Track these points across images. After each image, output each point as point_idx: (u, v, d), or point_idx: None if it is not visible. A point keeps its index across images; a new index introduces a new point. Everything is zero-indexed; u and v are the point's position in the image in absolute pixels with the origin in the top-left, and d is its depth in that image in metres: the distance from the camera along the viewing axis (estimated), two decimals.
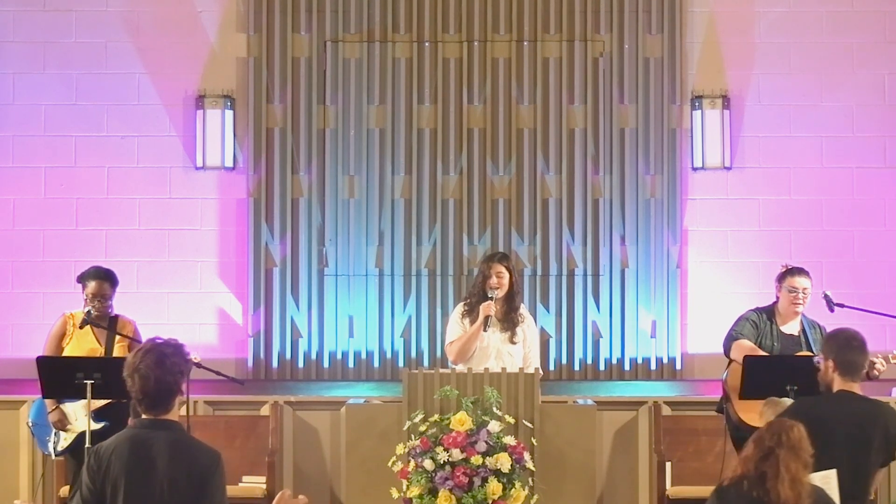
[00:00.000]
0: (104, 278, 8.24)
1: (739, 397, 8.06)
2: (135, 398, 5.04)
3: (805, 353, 7.96)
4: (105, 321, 8.24)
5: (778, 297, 8.17)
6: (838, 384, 6.42)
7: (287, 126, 10.08)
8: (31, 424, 8.33)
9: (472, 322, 8.12)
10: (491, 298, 8.06)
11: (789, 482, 5.14)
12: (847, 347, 6.47)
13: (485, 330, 8.05)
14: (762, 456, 5.17)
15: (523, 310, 8.33)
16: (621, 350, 9.97)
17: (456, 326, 8.22)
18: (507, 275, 8.15)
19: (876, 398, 8.08)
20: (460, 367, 8.04)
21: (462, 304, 8.31)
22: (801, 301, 8.08)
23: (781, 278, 8.17)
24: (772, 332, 8.09)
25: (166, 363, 5.01)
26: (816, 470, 6.10)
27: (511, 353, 8.15)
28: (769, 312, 8.18)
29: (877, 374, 7.87)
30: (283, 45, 10.09)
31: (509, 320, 8.15)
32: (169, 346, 5.07)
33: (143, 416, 5.07)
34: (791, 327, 8.13)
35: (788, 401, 6.92)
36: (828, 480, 6.06)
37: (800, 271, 8.17)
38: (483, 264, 8.29)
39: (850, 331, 6.81)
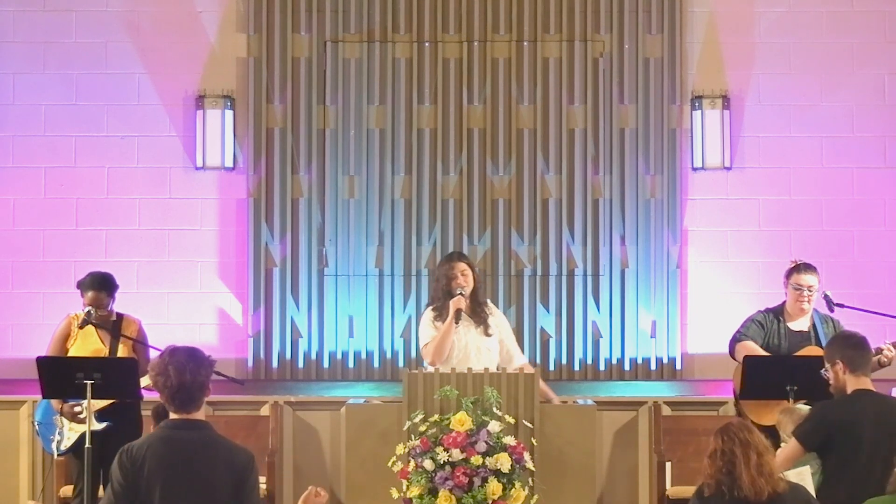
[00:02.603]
0: (100, 288, 8.22)
1: (739, 397, 8.07)
2: (167, 395, 5.05)
3: (812, 348, 7.95)
4: (109, 324, 8.24)
5: (786, 295, 8.18)
6: (852, 383, 6.41)
7: (287, 126, 10.08)
8: (36, 424, 8.34)
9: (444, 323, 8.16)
10: (460, 294, 8.10)
11: (756, 468, 5.42)
12: (848, 343, 6.49)
13: (456, 323, 8.08)
14: (725, 460, 5.49)
15: (489, 303, 8.41)
16: (621, 350, 9.97)
17: (429, 329, 8.20)
18: (469, 272, 8.21)
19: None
20: (443, 368, 8.07)
21: (430, 308, 8.30)
22: (805, 298, 8.07)
23: (788, 275, 8.17)
24: (779, 330, 8.09)
25: (197, 356, 5.08)
26: (853, 471, 6.15)
27: (489, 347, 8.20)
28: (777, 312, 8.18)
29: (886, 361, 7.89)
30: (283, 45, 10.09)
31: (478, 315, 8.20)
32: (192, 347, 5.15)
33: (172, 417, 5.09)
34: (800, 324, 8.13)
35: (805, 407, 6.90)
36: (803, 477, 6.09)
37: (806, 268, 8.15)
38: (444, 266, 8.28)
39: (847, 331, 6.87)
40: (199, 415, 5.10)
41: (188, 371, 5.01)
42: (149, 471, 4.96)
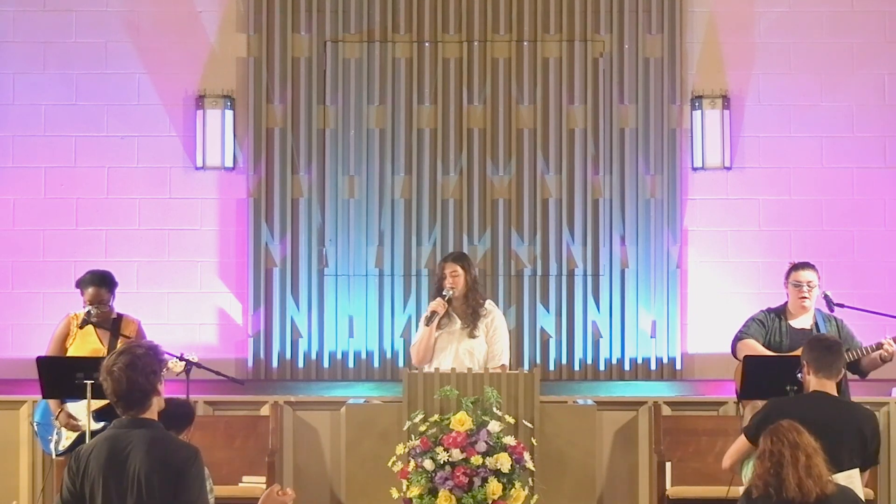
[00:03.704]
0: (100, 284, 8.25)
1: (739, 397, 8.09)
2: (111, 400, 5.07)
3: None
4: (108, 322, 8.25)
5: (787, 295, 8.23)
6: (813, 385, 6.48)
7: (287, 126, 10.08)
8: (35, 424, 8.35)
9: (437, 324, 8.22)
10: (444, 297, 8.15)
11: (804, 470, 5.44)
12: (816, 346, 6.55)
13: (427, 325, 8.14)
14: (775, 462, 5.50)
15: (490, 305, 8.46)
16: (621, 350, 9.96)
17: (420, 330, 8.38)
18: (461, 273, 8.27)
19: (874, 398, 8.13)
20: (443, 368, 8.10)
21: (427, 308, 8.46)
22: (806, 294, 8.12)
23: (787, 275, 8.24)
24: (780, 328, 8.13)
25: (138, 364, 5.05)
26: None
27: (471, 350, 8.24)
28: (779, 311, 8.23)
29: (887, 356, 7.91)
30: (283, 45, 10.09)
31: (468, 317, 8.24)
32: (141, 347, 5.13)
33: (122, 416, 5.10)
34: (803, 322, 8.16)
35: None
36: (852, 480, 6.11)
37: (804, 265, 8.22)
38: (439, 265, 8.44)
39: (822, 334, 6.93)
40: (150, 414, 5.09)
41: (125, 380, 5.01)
42: (91, 471, 4.98)
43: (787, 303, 8.25)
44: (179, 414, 6.40)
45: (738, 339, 8.18)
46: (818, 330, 8.06)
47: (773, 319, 8.18)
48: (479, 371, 8.06)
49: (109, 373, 5.04)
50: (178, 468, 4.97)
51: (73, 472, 5.02)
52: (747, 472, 6.72)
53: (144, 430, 5.03)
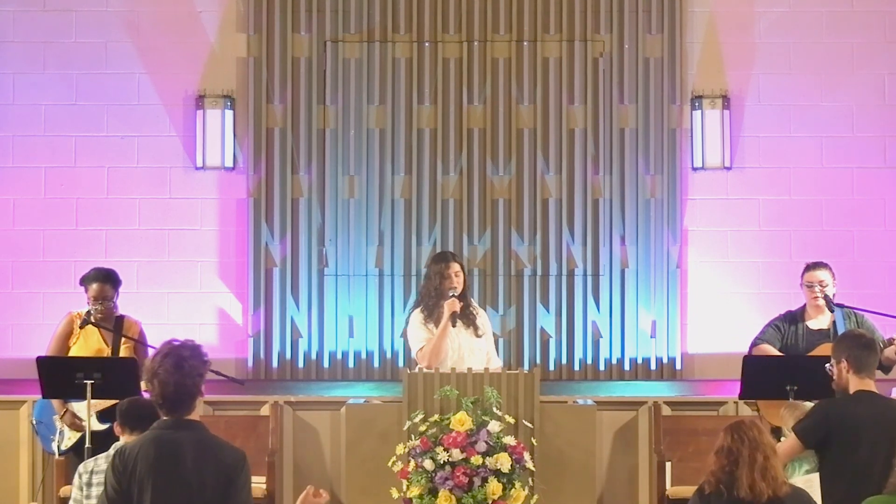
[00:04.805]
0: (104, 280, 8.26)
1: (739, 397, 8.11)
2: (155, 402, 5.07)
3: (826, 346, 7.96)
4: (111, 322, 8.25)
5: (805, 296, 8.27)
6: (855, 384, 6.43)
7: (287, 126, 10.08)
8: (35, 423, 8.35)
9: (437, 325, 8.13)
10: (453, 296, 8.11)
11: (760, 472, 5.40)
12: (856, 343, 6.51)
13: (453, 325, 8.10)
14: (731, 460, 5.46)
15: (474, 303, 8.47)
16: (621, 350, 9.97)
17: (421, 332, 8.21)
18: (461, 273, 8.25)
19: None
20: (443, 368, 8.07)
21: (419, 310, 8.30)
22: (819, 294, 8.14)
23: (802, 275, 8.28)
24: (797, 332, 8.15)
25: (184, 367, 5.04)
26: (851, 471, 6.17)
27: (480, 347, 8.26)
28: (797, 314, 8.26)
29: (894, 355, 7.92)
30: (283, 45, 10.09)
31: (467, 316, 8.23)
32: (186, 348, 5.11)
33: (163, 418, 5.09)
34: (820, 322, 8.19)
35: (808, 403, 6.92)
36: (811, 484, 6.10)
37: (816, 266, 8.26)
38: (438, 265, 8.27)
39: (857, 330, 6.91)
40: (193, 415, 5.09)
41: (172, 383, 5.00)
42: (140, 473, 4.96)
43: (806, 304, 8.30)
44: (143, 415, 6.36)
45: (753, 344, 8.24)
46: (836, 329, 8.06)
47: (789, 324, 8.21)
48: (482, 370, 8.05)
49: (155, 375, 5.02)
50: (229, 472, 4.98)
51: (119, 471, 4.99)
52: (794, 474, 6.57)
53: (191, 433, 5.03)
